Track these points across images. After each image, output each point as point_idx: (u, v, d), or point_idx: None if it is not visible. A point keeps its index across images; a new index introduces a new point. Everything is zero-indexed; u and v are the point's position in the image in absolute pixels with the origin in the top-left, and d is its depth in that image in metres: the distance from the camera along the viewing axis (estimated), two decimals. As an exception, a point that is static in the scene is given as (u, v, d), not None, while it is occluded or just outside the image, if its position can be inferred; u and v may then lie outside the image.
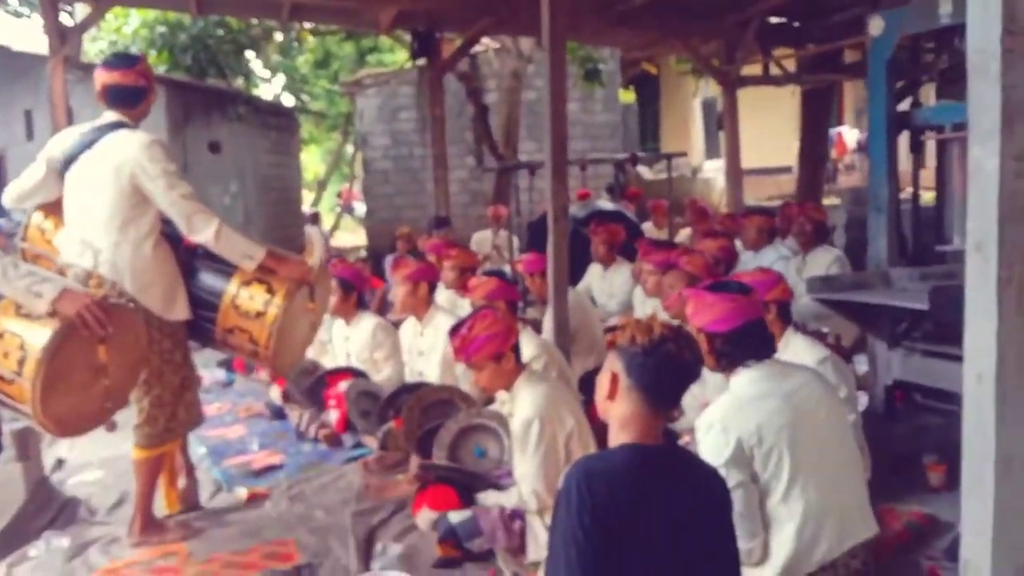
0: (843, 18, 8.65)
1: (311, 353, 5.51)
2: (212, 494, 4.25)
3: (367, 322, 5.38)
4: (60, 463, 4.73)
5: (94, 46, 14.01)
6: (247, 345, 3.63)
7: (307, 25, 13.24)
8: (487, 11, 8.44)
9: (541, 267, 5.37)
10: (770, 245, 6.00)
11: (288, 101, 19.84)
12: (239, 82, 14.77)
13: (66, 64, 6.96)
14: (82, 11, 8.18)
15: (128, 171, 3.39)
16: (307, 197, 21.25)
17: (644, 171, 15.91)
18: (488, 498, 3.52)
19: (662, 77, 19.65)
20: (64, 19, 7.64)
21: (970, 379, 2.08)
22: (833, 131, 15.07)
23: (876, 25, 4.48)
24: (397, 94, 14.18)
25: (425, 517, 3.53)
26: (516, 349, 3.52)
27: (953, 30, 4.43)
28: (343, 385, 4.96)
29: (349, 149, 21.29)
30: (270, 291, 3.55)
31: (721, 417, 2.59)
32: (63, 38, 6.98)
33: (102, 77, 3.56)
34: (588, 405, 3.31)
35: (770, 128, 15.56)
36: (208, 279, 3.63)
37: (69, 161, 3.50)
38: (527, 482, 3.34)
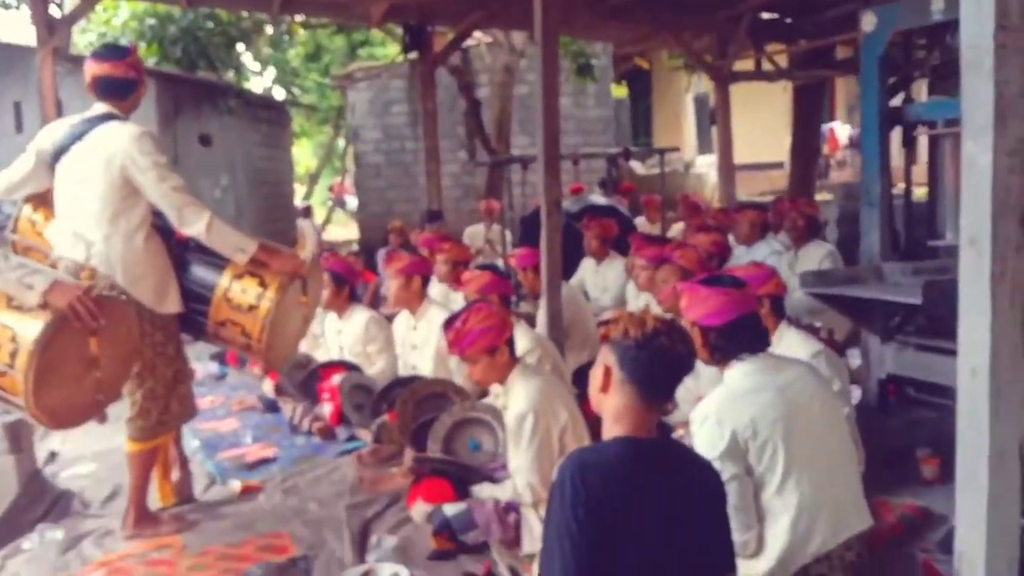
0: (835, 14, 8.66)
1: (304, 347, 5.51)
2: (206, 487, 4.25)
3: (360, 316, 5.38)
4: (53, 456, 4.72)
5: (83, 38, 13.92)
6: (240, 338, 3.62)
7: (298, 18, 13.21)
8: (479, 5, 8.42)
9: (534, 262, 5.38)
10: (762, 240, 6.02)
11: (279, 94, 19.75)
12: (229, 75, 14.70)
13: (55, 56, 6.92)
14: (71, 2, 8.16)
15: (119, 163, 3.37)
16: (299, 191, 21.17)
17: (637, 166, 15.94)
18: (483, 491, 3.52)
19: (654, 72, 19.65)
20: (53, 11, 7.58)
21: (964, 374, 2.09)
22: (825, 127, 15.12)
23: (868, 21, 4.50)
24: (388, 88, 14.14)
25: (420, 510, 3.53)
26: (510, 343, 3.52)
27: (945, 26, 4.44)
28: (336, 378, 4.96)
29: (341, 143, 21.25)
30: (262, 284, 3.55)
31: (716, 410, 2.60)
32: (52, 30, 6.93)
33: (92, 69, 3.54)
34: (582, 399, 3.32)
35: (762, 124, 15.60)
36: (200, 272, 3.63)
37: (59, 153, 3.48)
38: (521, 475, 3.35)
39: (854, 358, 4.96)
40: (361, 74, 14.34)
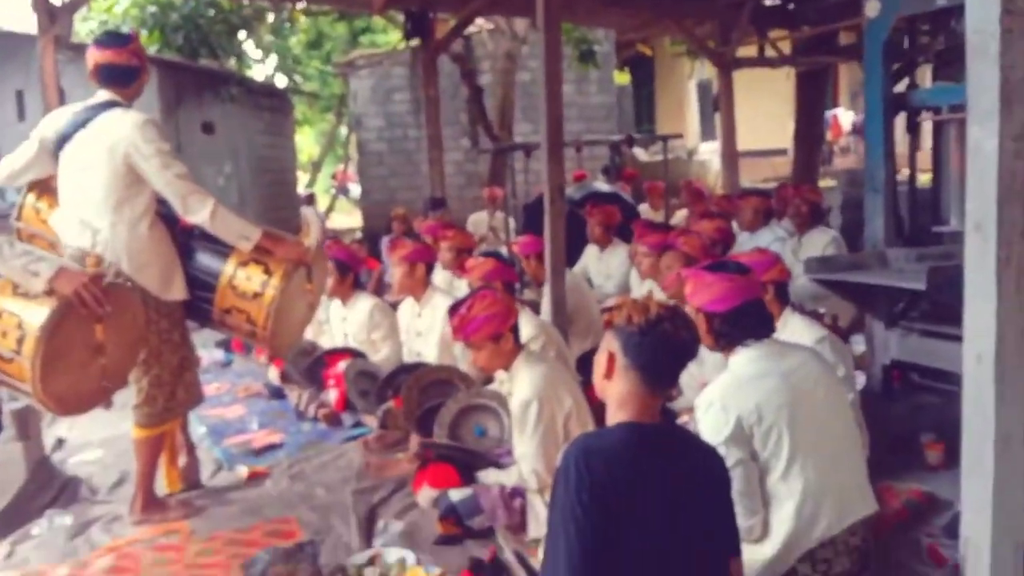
0: (838, 0, 8.63)
1: (308, 334, 5.52)
2: (213, 473, 4.27)
3: (364, 303, 5.39)
4: (60, 443, 4.74)
5: (84, 26, 13.87)
6: (245, 325, 3.63)
7: (299, 5, 13.14)
8: (481, -9, 8.40)
9: (537, 249, 5.38)
10: (766, 227, 6.02)
11: (281, 82, 19.70)
12: (231, 63, 14.66)
13: (56, 44, 6.89)
14: (73, -10, 8.09)
15: (122, 151, 3.37)
16: (302, 179, 21.16)
17: (640, 153, 15.90)
18: (488, 476, 3.54)
19: (657, 59, 19.57)
20: (54, -2, 7.57)
21: (970, 359, 2.10)
22: (828, 113, 15.06)
23: (872, 7, 4.48)
24: (391, 75, 14.10)
25: (426, 495, 3.55)
26: (515, 330, 3.53)
27: (950, 11, 4.43)
28: (342, 365, 4.98)
29: (343, 130, 21.22)
30: (267, 272, 3.55)
31: (720, 396, 2.61)
32: (53, 17, 6.90)
33: (95, 56, 3.53)
34: (586, 386, 3.33)
35: (765, 110, 15.54)
36: (205, 260, 3.63)
37: (63, 140, 3.48)
38: (527, 462, 3.36)
39: (858, 344, 4.96)
40: (363, 61, 14.31)
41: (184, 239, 3.64)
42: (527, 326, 4.08)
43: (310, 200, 14.35)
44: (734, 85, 9.75)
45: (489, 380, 4.38)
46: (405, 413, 4.24)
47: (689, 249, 4.44)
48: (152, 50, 11.80)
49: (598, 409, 2.73)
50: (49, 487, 4.01)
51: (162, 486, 3.91)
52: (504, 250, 7.14)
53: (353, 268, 5.46)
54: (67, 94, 6.84)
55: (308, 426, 4.88)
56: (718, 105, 10.52)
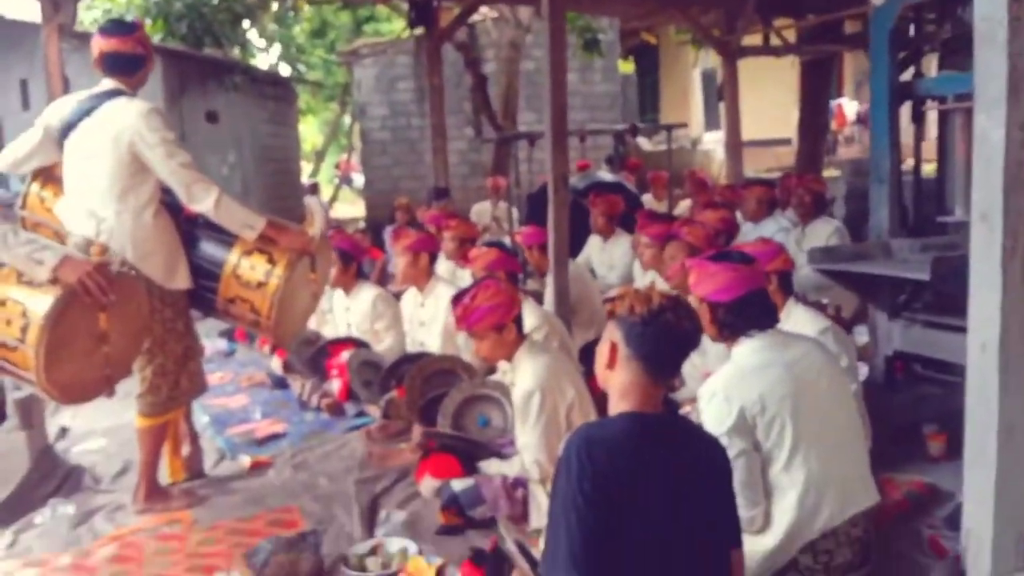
0: (844, -12, 8.58)
1: (312, 323, 5.53)
2: (216, 462, 4.28)
3: (367, 293, 5.39)
4: (64, 432, 4.75)
5: (88, 14, 13.86)
6: (249, 315, 3.63)
7: (303, -6, 13.13)
8: (486, -21, 8.36)
9: (540, 240, 5.36)
10: (770, 217, 5.99)
11: (285, 71, 19.68)
12: (235, 52, 14.64)
13: (61, 32, 6.88)
14: (76, -22, 8.07)
15: (127, 139, 3.37)
16: (305, 168, 21.15)
17: (644, 142, 15.87)
18: (490, 467, 3.54)
19: (661, 47, 19.51)
20: (59, -13, 7.54)
21: (974, 349, 2.10)
22: (833, 103, 15.01)
23: (879, -6, 4.45)
24: (395, 64, 14.08)
25: (428, 485, 3.55)
26: (518, 320, 3.53)
27: (956, -1, 4.40)
28: (345, 355, 4.98)
29: (347, 120, 21.17)
30: (271, 261, 3.55)
31: (724, 386, 2.60)
32: (57, 6, 6.88)
33: (100, 44, 3.52)
34: (588, 376, 3.33)
35: (770, 99, 15.50)
36: (209, 249, 3.63)
37: (67, 129, 3.48)
38: (529, 452, 3.36)
39: (861, 335, 4.95)
40: (367, 50, 14.28)
41: (188, 228, 3.64)
42: (530, 316, 4.07)
43: (314, 189, 14.35)
44: (739, 74, 9.71)
45: (492, 370, 4.37)
46: (408, 403, 4.25)
47: (693, 239, 4.42)
48: (156, 39, 11.75)
49: (600, 399, 2.72)
50: (52, 476, 4.02)
51: (165, 475, 3.92)
52: (507, 240, 7.14)
53: (356, 258, 5.46)
54: (71, 83, 6.83)
55: (311, 416, 4.89)
56: (722, 94, 10.47)
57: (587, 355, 4.24)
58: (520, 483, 3.38)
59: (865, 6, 4.80)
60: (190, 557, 3.29)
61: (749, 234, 5.68)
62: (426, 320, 5.04)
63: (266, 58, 20.42)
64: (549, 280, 4.98)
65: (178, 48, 11.77)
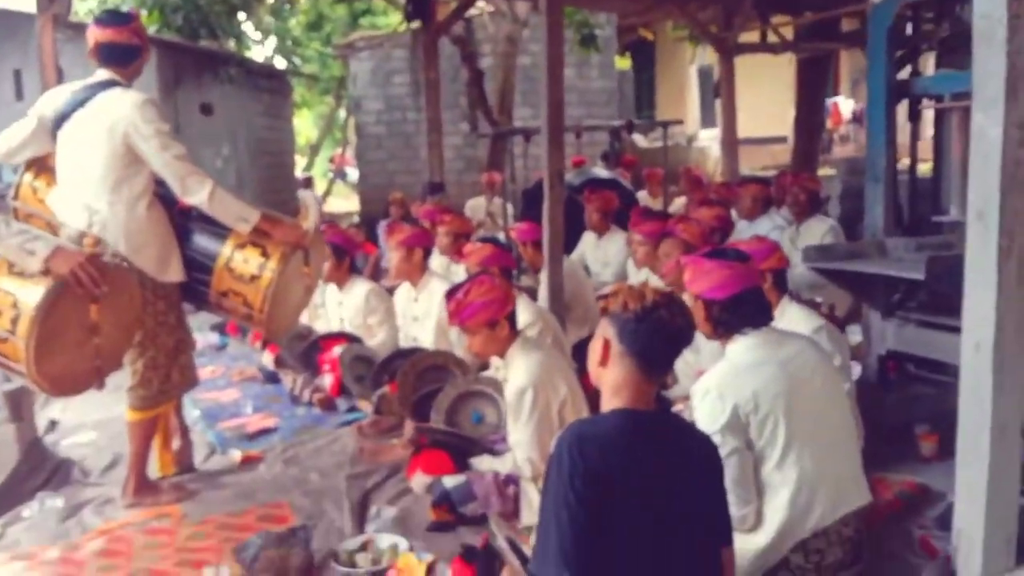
0: (842, -15, 8.57)
1: (304, 318, 5.50)
2: (206, 456, 4.26)
3: (360, 288, 5.37)
4: (53, 425, 4.73)
5: (83, 5, 13.81)
6: (241, 308, 3.62)
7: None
8: (483, -26, 8.34)
9: (535, 236, 5.35)
10: (765, 215, 5.98)
11: (280, 64, 19.62)
12: (231, 44, 14.59)
13: (55, 23, 6.84)
14: (71, -31, 8.04)
15: (121, 130, 3.35)
16: (300, 162, 21.11)
17: (639, 139, 15.86)
18: (482, 463, 3.53)
19: (658, 43, 19.48)
20: (53, -24, 7.50)
21: (968, 348, 2.09)
22: (829, 101, 15.01)
23: (877, -8, 4.44)
24: (390, 57, 14.03)
25: (419, 481, 3.54)
26: (511, 317, 3.51)
27: (955, -2, 4.39)
28: (337, 350, 4.96)
29: (342, 113, 21.15)
30: (265, 255, 3.54)
31: (717, 384, 2.59)
32: (52, -4, 6.86)
33: (95, 35, 3.50)
34: (582, 373, 3.32)
35: (766, 97, 15.50)
36: (202, 241, 3.62)
37: (61, 119, 3.46)
38: (521, 449, 3.35)
39: (855, 334, 4.94)
40: (363, 43, 14.23)
41: (182, 220, 3.62)
42: (524, 313, 4.06)
43: (308, 183, 14.33)
44: (735, 71, 9.70)
45: (484, 366, 4.36)
46: (400, 398, 4.24)
47: (688, 236, 4.42)
48: (151, 30, 11.72)
49: (594, 397, 2.71)
50: (41, 469, 4.01)
51: (155, 469, 3.91)
52: (502, 236, 7.12)
53: (350, 252, 5.43)
54: (66, 73, 6.79)
55: (302, 411, 4.88)
56: (719, 91, 10.46)
57: (580, 352, 4.22)
58: (511, 480, 3.38)
59: (863, 4, 4.80)
60: (179, 551, 3.28)
61: (744, 232, 5.68)
62: (419, 315, 5.02)
63: (262, 51, 20.38)
64: (543, 276, 4.96)
65: (173, 40, 11.72)
